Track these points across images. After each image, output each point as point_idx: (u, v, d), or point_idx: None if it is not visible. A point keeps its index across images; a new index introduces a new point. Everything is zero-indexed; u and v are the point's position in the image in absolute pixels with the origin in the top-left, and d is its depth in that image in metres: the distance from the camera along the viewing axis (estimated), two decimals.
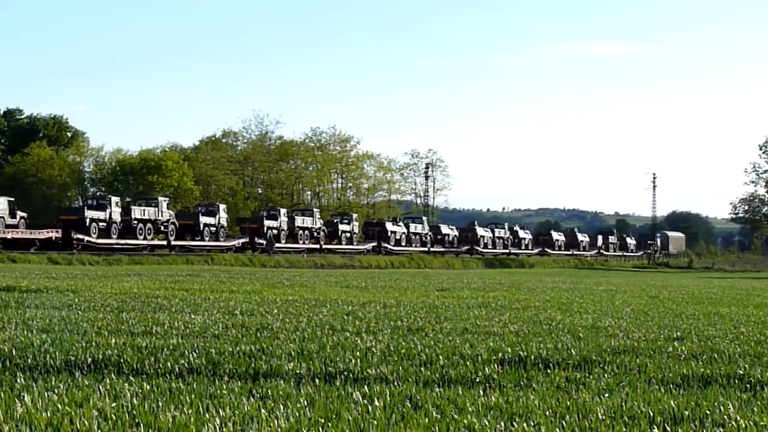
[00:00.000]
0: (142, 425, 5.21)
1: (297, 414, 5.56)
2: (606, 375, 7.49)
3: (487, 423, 5.43)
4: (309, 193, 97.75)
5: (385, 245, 72.52)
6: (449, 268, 65.36)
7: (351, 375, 7.21)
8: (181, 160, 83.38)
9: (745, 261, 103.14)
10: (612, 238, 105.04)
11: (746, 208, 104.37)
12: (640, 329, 11.70)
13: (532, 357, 8.32)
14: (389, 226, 74.70)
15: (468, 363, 7.88)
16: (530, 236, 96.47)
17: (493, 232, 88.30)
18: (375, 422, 5.41)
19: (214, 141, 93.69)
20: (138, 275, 28.06)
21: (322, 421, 5.38)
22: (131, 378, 6.88)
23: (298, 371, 7.27)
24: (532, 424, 5.45)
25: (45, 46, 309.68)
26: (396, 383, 6.88)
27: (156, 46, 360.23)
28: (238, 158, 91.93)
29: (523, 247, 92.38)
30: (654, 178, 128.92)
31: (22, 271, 28.96)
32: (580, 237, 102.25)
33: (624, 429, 5.45)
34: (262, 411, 5.61)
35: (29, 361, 7.55)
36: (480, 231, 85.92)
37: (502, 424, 5.45)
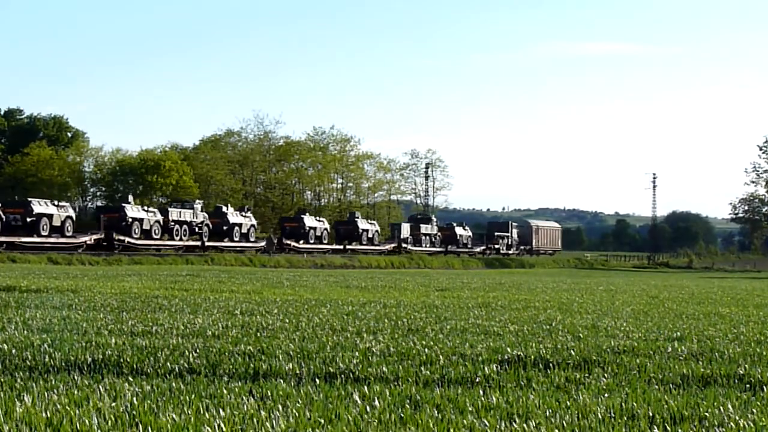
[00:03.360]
0: (141, 425, 5.20)
1: (297, 414, 5.55)
2: (606, 375, 7.49)
3: (487, 423, 5.43)
4: (309, 193, 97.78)
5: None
6: (449, 268, 65.35)
7: (351, 375, 7.21)
8: (181, 160, 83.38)
9: (745, 261, 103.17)
10: (426, 227, 78.36)
11: (746, 208, 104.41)
12: (640, 329, 11.70)
13: (532, 357, 8.32)
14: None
15: (468, 363, 7.88)
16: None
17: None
18: (375, 422, 5.41)
19: (214, 141, 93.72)
20: (138, 275, 28.06)
21: (322, 421, 5.38)
22: (131, 378, 6.88)
23: (297, 371, 7.27)
24: (532, 424, 5.45)
25: (45, 46, 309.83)
26: (396, 383, 6.88)
27: (156, 46, 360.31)
28: (237, 158, 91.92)
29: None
30: (654, 178, 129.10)
31: (22, 271, 28.95)
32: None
33: (624, 429, 5.45)
34: (262, 411, 5.61)
35: (29, 361, 7.55)
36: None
37: (502, 424, 5.45)
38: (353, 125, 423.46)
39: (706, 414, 5.84)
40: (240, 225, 60.90)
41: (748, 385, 7.17)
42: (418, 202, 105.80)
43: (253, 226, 62.79)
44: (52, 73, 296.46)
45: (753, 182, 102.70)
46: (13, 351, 7.96)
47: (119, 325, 10.61)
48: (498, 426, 5.40)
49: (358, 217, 71.09)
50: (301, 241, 65.82)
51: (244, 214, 62.18)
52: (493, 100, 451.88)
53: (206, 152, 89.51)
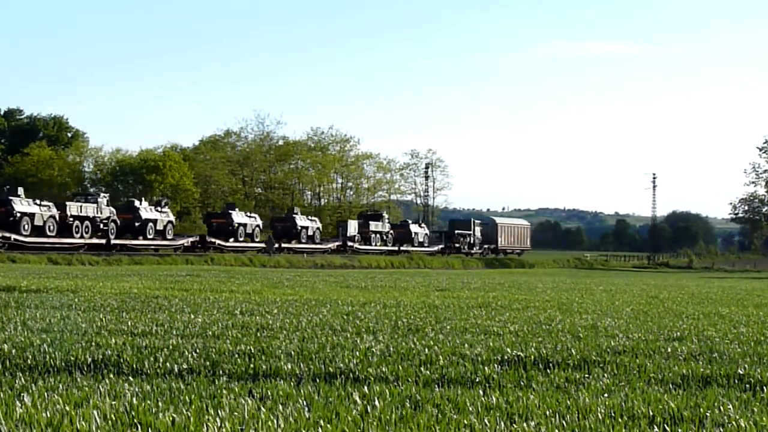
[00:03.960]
0: (141, 425, 5.20)
1: (296, 414, 5.55)
2: (606, 375, 7.49)
3: (487, 423, 5.43)
4: (309, 193, 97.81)
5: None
6: (449, 268, 65.35)
7: (351, 375, 7.21)
8: (181, 160, 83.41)
9: (745, 261, 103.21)
10: (375, 225, 72.93)
11: (746, 208, 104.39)
12: (640, 329, 11.70)
13: (532, 357, 8.32)
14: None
15: (468, 363, 7.88)
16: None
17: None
18: (375, 422, 5.40)
19: (214, 141, 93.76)
20: (138, 275, 28.06)
21: (322, 421, 5.38)
22: (131, 378, 6.88)
23: (297, 371, 7.27)
24: (532, 424, 5.45)
25: (45, 46, 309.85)
26: (396, 383, 6.88)
27: (156, 46, 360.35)
28: (237, 158, 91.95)
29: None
30: (654, 178, 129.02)
31: (22, 271, 28.95)
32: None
33: (624, 429, 5.45)
34: (262, 411, 5.61)
35: (29, 361, 7.55)
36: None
37: (502, 424, 5.45)
38: (353, 125, 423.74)
39: (706, 414, 5.84)
40: (155, 221, 55.30)
41: (748, 385, 7.17)
42: (418, 202, 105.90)
43: (170, 222, 57.23)
44: (52, 73, 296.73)
45: (753, 182, 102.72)
46: (13, 351, 7.96)
47: (119, 325, 10.61)
48: (498, 426, 5.40)
49: (296, 214, 67.28)
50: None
51: (160, 209, 56.78)
52: (493, 100, 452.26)
53: (206, 152, 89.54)
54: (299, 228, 65.95)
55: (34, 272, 28.37)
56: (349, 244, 68.72)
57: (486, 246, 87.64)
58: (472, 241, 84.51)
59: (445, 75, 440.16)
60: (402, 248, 73.99)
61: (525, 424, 5.43)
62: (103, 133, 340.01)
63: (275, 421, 5.32)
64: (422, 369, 7.51)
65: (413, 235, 76.94)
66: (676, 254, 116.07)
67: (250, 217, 64.95)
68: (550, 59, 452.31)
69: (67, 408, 5.58)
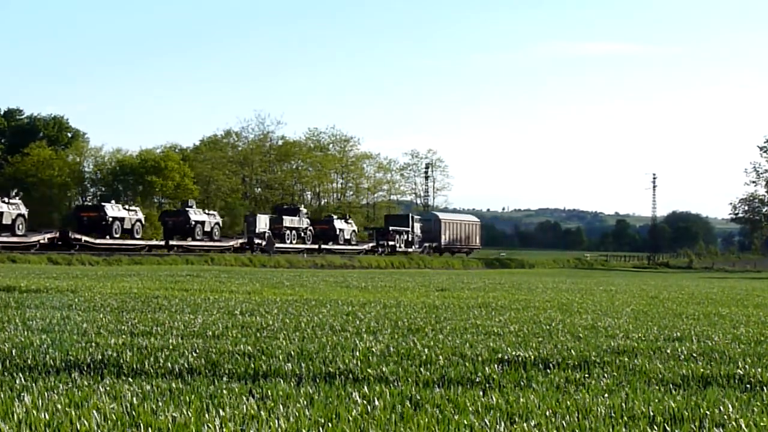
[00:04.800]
0: (142, 425, 5.20)
1: (297, 414, 5.55)
2: (606, 375, 7.49)
3: (487, 423, 5.43)
4: (309, 193, 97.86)
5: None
6: (449, 268, 65.37)
7: (351, 375, 7.21)
8: (181, 160, 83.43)
9: (745, 261, 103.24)
10: (291, 220, 66.38)
11: (746, 208, 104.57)
12: (640, 329, 11.70)
13: (532, 357, 8.32)
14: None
15: (468, 363, 7.88)
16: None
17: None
18: (375, 422, 5.40)
19: (214, 141, 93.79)
20: (138, 275, 28.06)
21: (322, 421, 5.38)
22: (131, 378, 6.88)
23: (297, 371, 7.27)
24: (532, 424, 5.45)
25: (45, 46, 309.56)
26: (396, 383, 6.88)
27: (156, 45, 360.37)
28: (237, 158, 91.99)
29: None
30: (654, 178, 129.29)
31: (22, 271, 28.95)
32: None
33: (624, 429, 5.45)
34: (262, 411, 5.61)
35: (29, 361, 7.54)
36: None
37: (502, 424, 5.45)
38: (353, 125, 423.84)
39: (706, 414, 5.84)
40: (1, 214, 47.97)
41: (748, 385, 7.17)
42: (418, 202, 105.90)
43: (21, 216, 49.09)
44: (52, 73, 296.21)
45: (753, 182, 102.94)
46: (13, 351, 7.96)
47: (119, 325, 10.61)
48: (498, 426, 5.40)
49: (191, 207, 60.12)
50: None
51: (8, 201, 48.82)
52: (493, 100, 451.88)
53: (206, 152, 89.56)
54: (193, 223, 58.39)
55: (34, 272, 28.37)
56: (257, 241, 61.30)
57: (427, 244, 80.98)
58: (410, 239, 77.56)
59: (445, 75, 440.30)
60: (324, 246, 67.15)
61: (525, 424, 5.43)
62: (103, 133, 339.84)
63: (275, 421, 5.32)
64: (422, 369, 7.51)
65: (338, 232, 70.08)
66: (676, 254, 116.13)
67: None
68: (550, 59, 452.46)
69: (67, 408, 5.59)
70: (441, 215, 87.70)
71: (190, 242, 57.45)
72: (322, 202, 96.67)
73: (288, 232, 65.35)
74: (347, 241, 70.82)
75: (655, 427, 5.50)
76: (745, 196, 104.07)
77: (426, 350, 8.59)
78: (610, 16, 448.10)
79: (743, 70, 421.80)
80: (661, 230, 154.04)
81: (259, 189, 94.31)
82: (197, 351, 8.26)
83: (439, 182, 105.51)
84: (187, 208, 59.43)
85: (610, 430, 5.41)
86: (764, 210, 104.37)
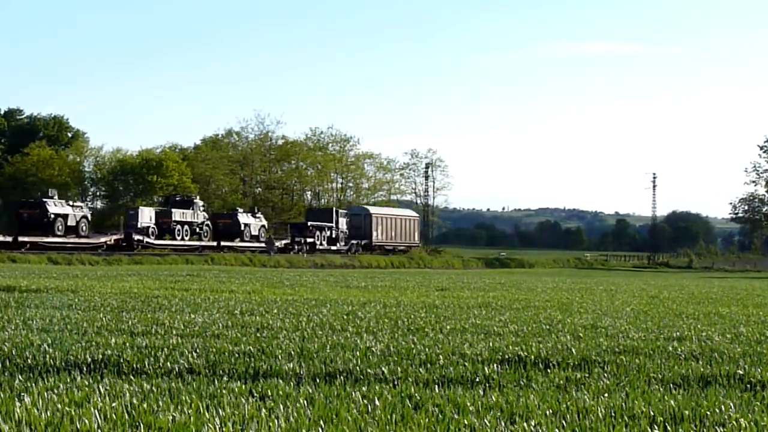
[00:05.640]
0: (142, 425, 5.20)
1: (297, 414, 5.55)
2: (606, 375, 7.49)
3: (487, 423, 5.43)
4: (309, 193, 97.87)
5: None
6: (449, 268, 65.42)
7: (351, 375, 7.21)
8: (180, 160, 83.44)
9: (745, 261, 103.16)
10: (182, 213, 58.79)
11: (746, 208, 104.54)
12: (640, 329, 11.70)
13: (532, 357, 8.32)
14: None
15: (468, 363, 7.88)
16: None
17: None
18: (375, 422, 5.41)
19: (214, 141, 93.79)
20: (138, 275, 28.07)
21: (322, 421, 5.38)
22: (131, 378, 6.88)
23: (298, 371, 7.27)
24: (532, 424, 5.45)
25: (45, 46, 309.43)
26: (396, 383, 6.88)
27: (156, 45, 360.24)
28: (237, 158, 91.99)
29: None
30: (654, 178, 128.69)
31: (22, 271, 28.96)
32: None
33: (624, 429, 5.45)
34: (262, 411, 5.61)
35: (29, 361, 7.55)
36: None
37: (502, 424, 5.45)
38: (353, 125, 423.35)
39: (707, 414, 5.85)
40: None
41: (748, 385, 7.17)
42: (418, 202, 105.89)
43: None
44: (52, 73, 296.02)
45: (753, 182, 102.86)
46: (13, 351, 7.96)
47: (119, 325, 10.61)
48: (498, 426, 5.40)
49: (52, 197, 52.32)
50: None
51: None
52: (493, 100, 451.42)
53: (206, 152, 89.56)
54: (52, 216, 50.81)
55: (34, 272, 28.37)
56: (137, 237, 53.28)
57: (356, 241, 72.77)
58: (334, 235, 69.61)
59: (445, 75, 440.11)
60: (224, 244, 59.33)
61: (525, 424, 5.43)
62: (103, 133, 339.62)
63: (275, 421, 5.32)
64: (422, 369, 7.51)
65: (242, 227, 62.53)
66: (676, 254, 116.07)
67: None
68: (550, 59, 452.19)
69: (67, 408, 5.59)
70: (372, 209, 79.51)
71: (48, 239, 49.38)
72: (322, 202, 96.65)
73: (179, 227, 57.59)
74: (255, 238, 63.27)
75: (656, 427, 5.50)
76: (745, 195, 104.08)
77: (426, 350, 8.60)
78: (610, 16, 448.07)
79: (743, 70, 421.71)
80: (661, 230, 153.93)
81: (259, 189, 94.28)
82: (197, 351, 8.26)
83: (439, 182, 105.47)
84: (45, 199, 51.77)
85: (610, 430, 5.41)
86: (764, 210, 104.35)
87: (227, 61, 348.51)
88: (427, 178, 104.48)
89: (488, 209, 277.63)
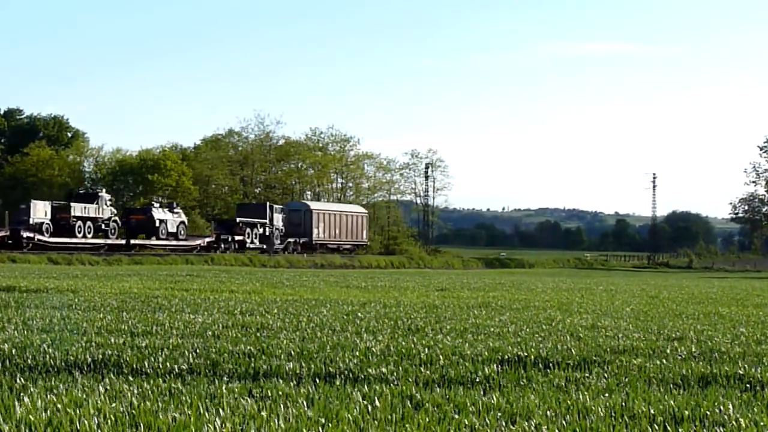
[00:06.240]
0: (142, 425, 5.20)
1: (297, 414, 5.55)
2: (606, 375, 7.49)
3: (487, 423, 5.43)
4: (309, 193, 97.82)
5: None
6: (449, 268, 65.41)
7: (351, 375, 7.21)
8: (180, 160, 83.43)
9: (745, 261, 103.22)
10: (85, 208, 52.61)
11: (746, 208, 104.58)
12: (640, 329, 11.70)
13: (532, 357, 8.32)
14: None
15: (468, 363, 7.88)
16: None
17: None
18: (375, 422, 5.40)
19: (214, 141, 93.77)
20: (138, 275, 28.06)
21: (322, 421, 5.38)
22: (131, 378, 6.88)
23: (297, 371, 7.27)
24: (533, 424, 5.45)
25: (45, 46, 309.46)
26: (396, 383, 6.88)
27: (156, 45, 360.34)
28: (237, 158, 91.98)
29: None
30: (654, 178, 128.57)
31: (22, 271, 28.95)
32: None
33: (624, 429, 5.45)
34: (262, 411, 5.61)
35: (29, 361, 7.54)
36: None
37: (503, 424, 5.45)
38: (353, 125, 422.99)
39: (707, 414, 5.85)
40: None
41: (748, 385, 7.17)
42: (418, 202, 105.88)
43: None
44: (52, 73, 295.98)
45: (753, 182, 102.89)
46: (13, 351, 7.96)
47: (119, 325, 10.61)
48: (498, 426, 5.40)
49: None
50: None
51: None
52: (493, 100, 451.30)
53: (206, 152, 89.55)
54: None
55: (34, 272, 28.37)
56: (27, 235, 47.89)
57: (294, 240, 67.14)
58: (268, 233, 64.03)
59: (445, 75, 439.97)
60: (135, 242, 54.79)
61: (525, 424, 5.43)
62: (103, 133, 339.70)
63: (275, 421, 5.32)
64: (422, 369, 7.51)
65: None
66: (676, 254, 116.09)
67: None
68: (550, 59, 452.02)
69: (67, 408, 5.59)
70: (313, 204, 73.33)
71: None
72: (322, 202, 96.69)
73: (80, 223, 51.65)
74: (173, 235, 57.26)
75: (656, 427, 5.49)
76: (745, 195, 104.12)
77: (426, 350, 8.59)
78: (610, 16, 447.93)
79: (743, 70, 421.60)
80: (661, 230, 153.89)
81: (259, 189, 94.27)
82: (197, 351, 8.26)
83: (439, 182, 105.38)
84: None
85: (610, 430, 5.41)
86: (764, 210, 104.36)
87: (227, 61, 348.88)
88: (427, 178, 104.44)
89: (488, 209, 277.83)
